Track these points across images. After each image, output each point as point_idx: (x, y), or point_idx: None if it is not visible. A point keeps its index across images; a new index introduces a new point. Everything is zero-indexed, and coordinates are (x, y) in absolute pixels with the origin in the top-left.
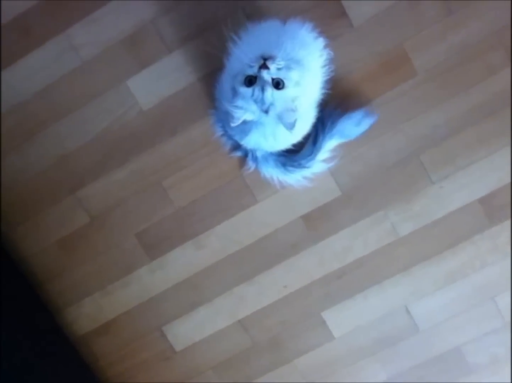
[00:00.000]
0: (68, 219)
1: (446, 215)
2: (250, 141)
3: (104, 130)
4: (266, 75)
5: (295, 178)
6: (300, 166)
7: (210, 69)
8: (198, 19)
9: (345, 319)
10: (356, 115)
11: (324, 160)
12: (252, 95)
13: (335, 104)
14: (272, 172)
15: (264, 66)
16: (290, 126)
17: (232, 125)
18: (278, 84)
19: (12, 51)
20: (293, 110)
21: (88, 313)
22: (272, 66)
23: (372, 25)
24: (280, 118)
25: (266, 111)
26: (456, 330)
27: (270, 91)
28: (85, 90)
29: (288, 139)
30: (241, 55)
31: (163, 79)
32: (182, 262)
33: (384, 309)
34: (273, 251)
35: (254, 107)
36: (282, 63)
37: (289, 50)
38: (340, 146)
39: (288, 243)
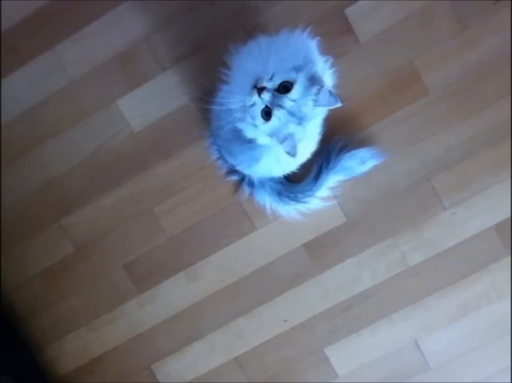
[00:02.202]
0: (52, 248)
1: (459, 243)
2: (261, 168)
3: (92, 153)
4: (269, 97)
5: (289, 210)
6: (296, 199)
7: (206, 89)
8: (193, 36)
9: (350, 355)
10: (362, 154)
11: (322, 198)
12: (279, 124)
13: (340, 136)
14: (266, 199)
15: (260, 91)
16: (293, 152)
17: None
18: (286, 88)
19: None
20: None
21: (72, 350)
22: (270, 84)
23: (380, 42)
24: (281, 144)
25: (301, 123)
26: (470, 367)
27: (289, 102)
28: (73, 111)
29: (299, 157)
30: (233, 88)
31: (156, 99)
32: (174, 295)
33: (393, 345)
34: (274, 282)
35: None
36: (277, 79)
37: (284, 61)
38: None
39: (290, 273)
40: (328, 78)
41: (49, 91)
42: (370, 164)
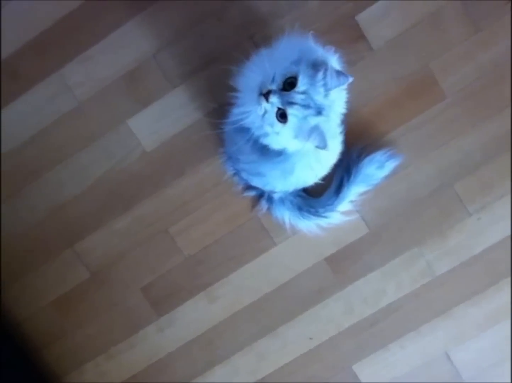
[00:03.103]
0: (66, 275)
1: (486, 249)
2: (296, 178)
3: (104, 175)
4: (277, 98)
5: (309, 224)
6: (316, 213)
7: (217, 104)
8: (202, 51)
9: (379, 371)
10: (380, 157)
11: (343, 212)
12: (298, 121)
13: (357, 147)
14: (286, 215)
15: (266, 95)
16: (323, 144)
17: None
18: (292, 84)
19: (1, 95)
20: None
21: (91, 380)
22: (274, 86)
23: (394, 47)
24: (309, 140)
25: (320, 112)
26: (504, 377)
27: (299, 96)
28: (82, 133)
29: (330, 158)
30: (244, 107)
31: (167, 117)
32: (194, 317)
33: (423, 358)
34: (296, 299)
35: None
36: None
37: (282, 61)
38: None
39: (312, 289)
40: (334, 63)
41: (57, 114)
42: (390, 166)
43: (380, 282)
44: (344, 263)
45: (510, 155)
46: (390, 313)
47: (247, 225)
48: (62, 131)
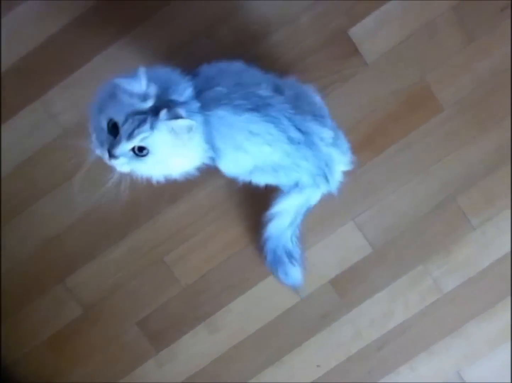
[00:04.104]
0: (58, 312)
1: (493, 262)
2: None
3: (93, 205)
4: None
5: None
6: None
7: None
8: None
9: None
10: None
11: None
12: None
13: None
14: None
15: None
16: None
17: None
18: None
19: None
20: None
21: None
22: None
23: (388, 61)
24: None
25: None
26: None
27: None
28: (69, 162)
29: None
30: None
31: None
32: (195, 350)
33: (435, 379)
34: (301, 325)
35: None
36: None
37: None
38: (366, 196)
39: (317, 314)
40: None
41: (42, 142)
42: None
43: (387, 302)
44: (349, 285)
45: (510, 166)
46: (399, 335)
47: (246, 250)
48: (47, 160)
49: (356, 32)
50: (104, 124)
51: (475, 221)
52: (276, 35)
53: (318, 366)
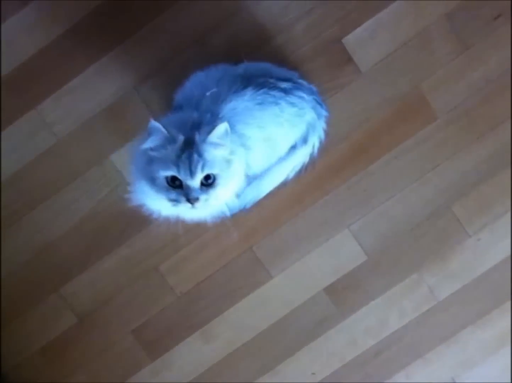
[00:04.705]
0: (53, 321)
1: (488, 270)
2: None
3: (88, 213)
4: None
5: None
6: None
7: None
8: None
9: None
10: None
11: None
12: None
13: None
14: None
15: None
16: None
17: None
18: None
19: None
20: None
21: None
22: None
23: (382, 69)
24: None
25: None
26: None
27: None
28: (64, 170)
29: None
30: None
31: None
32: (189, 358)
33: None
34: (296, 334)
35: None
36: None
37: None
38: (361, 203)
39: (313, 322)
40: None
41: (36, 152)
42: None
43: (382, 310)
44: (344, 293)
45: (505, 173)
46: (394, 342)
47: (241, 258)
48: (43, 169)
49: (350, 40)
50: (165, 184)
51: (470, 229)
52: (270, 43)
53: (313, 373)
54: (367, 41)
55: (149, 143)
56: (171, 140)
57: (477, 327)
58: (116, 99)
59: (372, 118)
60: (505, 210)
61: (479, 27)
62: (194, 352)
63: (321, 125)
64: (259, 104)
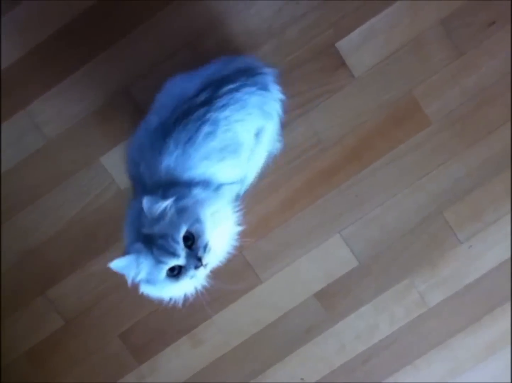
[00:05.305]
0: (39, 324)
1: (479, 277)
2: None
3: (76, 215)
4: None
5: None
6: None
7: None
8: None
9: None
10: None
11: None
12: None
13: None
14: None
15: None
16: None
17: None
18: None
19: None
20: None
21: None
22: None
23: (375, 74)
24: None
25: None
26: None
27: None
28: (53, 172)
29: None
30: None
31: None
32: (177, 363)
33: None
34: (285, 339)
35: None
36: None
37: None
38: (352, 209)
39: (302, 327)
40: None
41: (25, 153)
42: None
43: (373, 316)
44: (334, 298)
45: (498, 180)
46: (384, 348)
47: (231, 262)
48: (31, 171)
49: (344, 45)
50: (180, 239)
51: (462, 235)
52: (263, 47)
53: (302, 379)
54: (360, 46)
55: (151, 211)
56: (160, 214)
57: (468, 334)
58: (107, 101)
59: (365, 123)
60: (497, 217)
61: (473, 34)
62: (182, 357)
63: (275, 109)
64: (188, 141)
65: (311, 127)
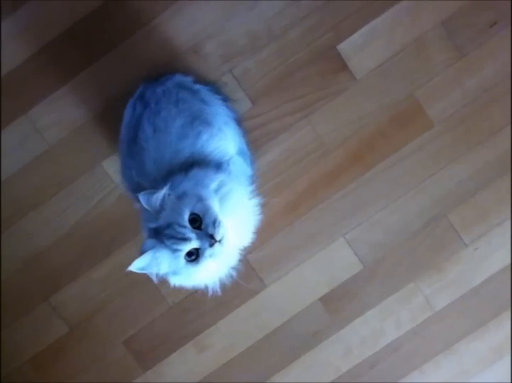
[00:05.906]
0: (43, 331)
1: (485, 280)
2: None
3: (79, 221)
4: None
5: None
6: None
7: None
8: None
9: None
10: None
11: None
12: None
13: None
14: None
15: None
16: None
17: None
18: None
19: None
20: None
21: None
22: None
23: (377, 76)
24: None
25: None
26: None
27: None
28: (55, 177)
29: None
30: None
31: None
32: (182, 369)
33: None
34: (290, 344)
35: None
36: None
37: None
38: (356, 212)
39: (307, 332)
40: None
41: (26, 158)
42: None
43: (378, 320)
44: (339, 303)
45: (502, 181)
46: (391, 353)
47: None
48: (33, 176)
49: (345, 47)
50: (187, 222)
51: (467, 238)
52: (264, 50)
53: None
54: (362, 48)
55: (151, 203)
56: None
57: (474, 338)
58: (108, 105)
59: (368, 125)
60: (502, 219)
61: (475, 35)
62: (187, 363)
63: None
64: (155, 131)
65: (313, 130)
